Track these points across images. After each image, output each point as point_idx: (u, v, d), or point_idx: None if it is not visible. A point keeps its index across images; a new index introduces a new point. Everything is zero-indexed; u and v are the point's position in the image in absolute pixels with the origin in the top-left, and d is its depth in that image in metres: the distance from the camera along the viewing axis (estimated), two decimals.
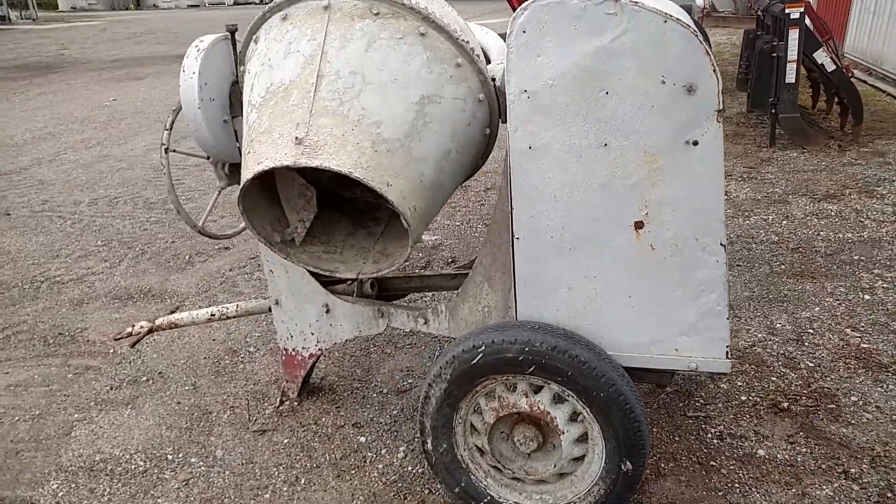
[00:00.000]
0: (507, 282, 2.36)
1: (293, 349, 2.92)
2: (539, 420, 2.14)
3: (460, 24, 2.24)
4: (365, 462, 2.67)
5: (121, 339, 3.16)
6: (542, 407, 2.10)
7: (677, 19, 1.80)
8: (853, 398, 2.85)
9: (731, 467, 2.51)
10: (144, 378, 3.36)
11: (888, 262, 4.02)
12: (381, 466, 2.64)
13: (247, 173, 2.06)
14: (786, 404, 2.82)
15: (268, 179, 2.41)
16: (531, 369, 2.04)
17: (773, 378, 3.00)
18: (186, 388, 3.25)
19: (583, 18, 1.84)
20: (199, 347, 3.61)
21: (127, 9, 42.94)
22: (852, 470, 2.47)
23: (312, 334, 2.86)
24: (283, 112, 2.04)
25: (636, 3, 1.80)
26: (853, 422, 2.71)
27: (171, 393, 3.22)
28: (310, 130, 1.99)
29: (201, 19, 29.37)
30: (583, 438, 2.13)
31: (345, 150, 1.96)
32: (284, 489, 2.55)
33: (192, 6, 43.27)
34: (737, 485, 2.43)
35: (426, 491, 2.50)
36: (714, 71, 1.81)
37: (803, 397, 2.86)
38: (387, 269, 2.23)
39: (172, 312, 3.21)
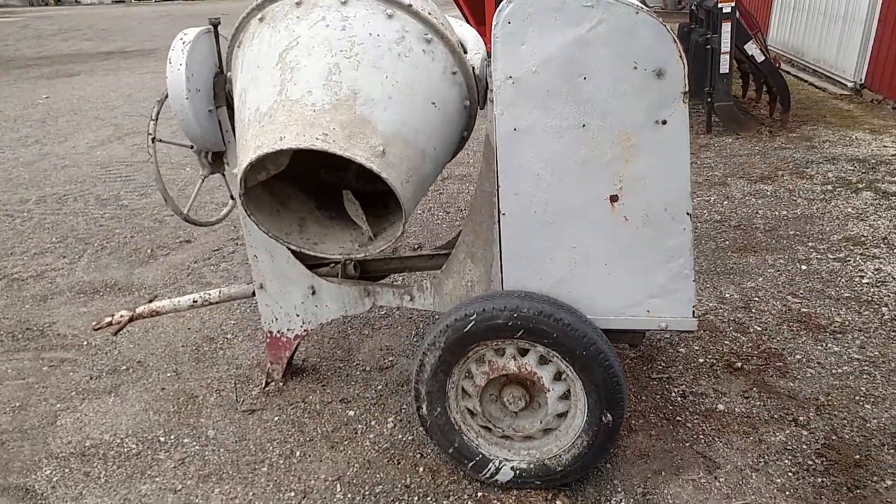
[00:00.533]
0: (489, 257, 2.54)
1: (278, 331, 3.03)
2: (526, 380, 2.32)
3: (431, 7, 2.39)
4: (356, 434, 2.80)
5: (100, 328, 3.20)
6: (529, 368, 2.28)
7: (647, 11, 2.00)
8: (797, 356, 3.14)
9: (695, 421, 2.76)
10: (124, 367, 3.39)
11: (820, 236, 4.38)
12: (372, 436, 2.78)
13: (265, 148, 2.12)
14: (739, 364, 3.09)
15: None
16: (520, 333, 2.22)
17: (726, 342, 3.28)
18: (168, 374, 3.31)
19: (563, 10, 2.02)
20: (175, 336, 3.66)
21: (46, 4, 41.08)
22: (801, 418, 2.75)
23: (298, 316, 2.97)
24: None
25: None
26: (799, 377, 3.00)
27: (153, 380, 3.27)
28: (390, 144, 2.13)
29: (128, 16, 28.46)
30: (565, 396, 2.32)
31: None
32: (281, 462, 2.67)
33: (117, 2, 41.69)
34: (701, 436, 2.68)
35: (418, 455, 2.66)
36: (680, 57, 2.02)
37: (754, 357, 3.14)
38: (384, 246, 2.35)
39: (151, 301, 3.25)
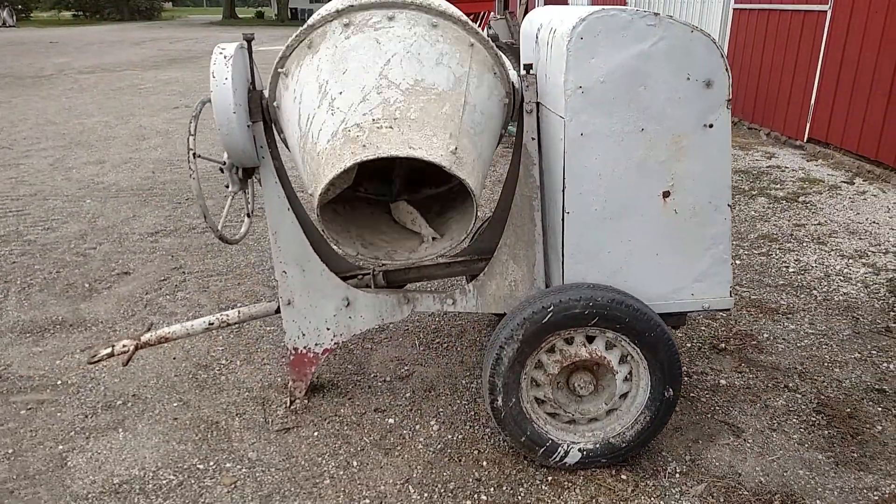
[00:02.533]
0: (531, 257, 2.74)
1: (304, 347, 3.01)
2: (594, 365, 2.52)
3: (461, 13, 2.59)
4: (405, 439, 2.85)
5: (97, 361, 3.01)
6: (599, 353, 2.48)
7: (700, 29, 2.31)
8: (765, 335, 3.59)
9: (707, 396, 3.08)
10: (119, 402, 3.19)
11: (739, 236, 4.98)
12: (422, 440, 2.84)
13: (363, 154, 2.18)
14: (722, 345, 3.49)
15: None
16: (594, 321, 2.42)
17: (703, 328, 3.67)
18: (175, 405, 3.16)
19: (629, 28, 2.28)
20: (162, 367, 3.48)
21: None
22: (790, 384, 3.16)
23: (328, 329, 2.97)
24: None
25: (670, 17, 2.29)
26: (773, 352, 3.44)
27: (160, 412, 3.10)
28: (460, 146, 2.23)
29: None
30: (628, 377, 2.55)
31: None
32: (341, 473, 2.66)
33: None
34: (717, 407, 3.00)
35: (475, 451, 2.76)
36: (726, 69, 2.35)
37: (731, 339, 3.55)
38: (456, 243, 2.45)
39: (149, 329, 3.08)
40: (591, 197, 2.46)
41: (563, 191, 2.45)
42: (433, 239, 2.58)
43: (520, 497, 2.50)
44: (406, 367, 3.39)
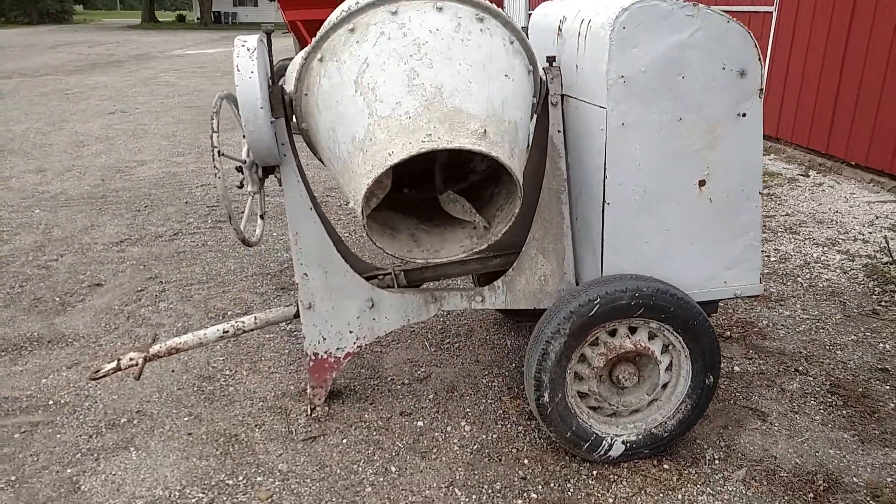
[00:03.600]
0: (560, 250, 2.73)
1: (325, 352, 2.91)
2: (637, 357, 2.52)
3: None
4: (438, 441, 2.79)
5: (101, 377, 2.83)
6: (643, 344, 2.49)
7: (735, 20, 2.35)
8: (764, 322, 3.70)
9: (726, 383, 3.14)
10: (124, 420, 3.00)
11: None
12: (456, 441, 2.78)
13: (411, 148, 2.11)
14: (727, 333, 3.56)
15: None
16: (640, 311, 2.42)
17: None
18: (185, 419, 2.99)
19: (669, 18, 2.30)
20: (162, 381, 3.30)
21: None
22: (800, 368, 3.26)
23: (351, 332, 2.88)
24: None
25: (708, 7, 2.32)
26: (776, 338, 3.54)
27: (170, 427, 2.94)
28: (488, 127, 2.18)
29: None
30: (670, 366, 2.56)
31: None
32: (381, 479, 2.57)
33: None
34: (737, 394, 3.06)
35: (513, 450, 2.72)
36: (759, 59, 2.40)
37: (734, 327, 3.64)
38: (505, 226, 2.38)
39: (154, 340, 2.91)
40: (631, 187, 2.46)
41: (604, 181, 2.44)
42: (484, 227, 2.52)
43: (569, 493, 2.48)
44: (422, 369, 3.32)
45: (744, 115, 2.44)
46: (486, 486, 2.53)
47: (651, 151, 2.43)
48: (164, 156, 8.20)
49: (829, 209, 5.56)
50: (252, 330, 2.95)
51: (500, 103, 2.29)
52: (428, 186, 2.96)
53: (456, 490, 2.51)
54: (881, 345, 3.46)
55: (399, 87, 2.23)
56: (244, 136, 2.73)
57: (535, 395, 2.48)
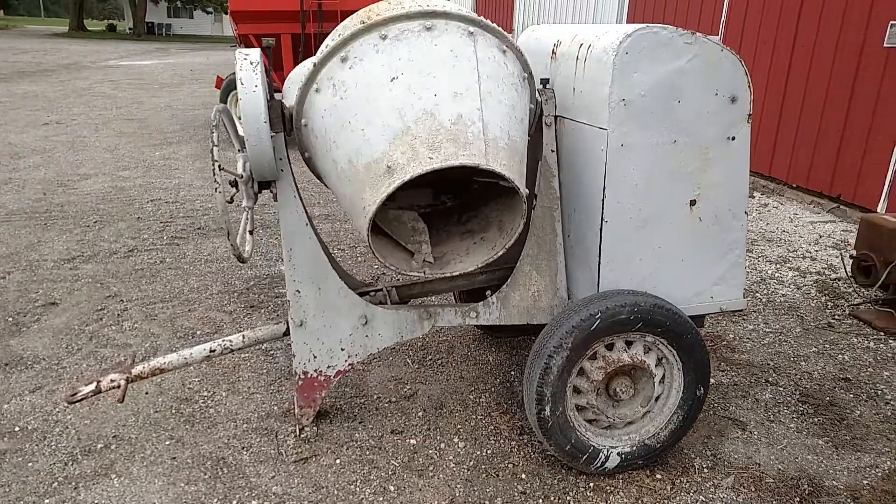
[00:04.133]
0: (553, 267, 2.79)
1: (315, 370, 2.87)
2: (632, 370, 2.59)
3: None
4: (433, 459, 2.78)
5: (78, 400, 2.71)
6: (640, 357, 2.56)
7: (728, 48, 2.47)
8: (731, 335, 3.85)
9: None
10: (99, 445, 2.87)
11: None
12: (451, 457, 2.78)
13: (423, 166, 2.13)
14: None
15: None
16: (638, 326, 2.49)
17: None
18: (167, 443, 2.89)
19: (669, 45, 2.40)
20: (138, 405, 3.17)
21: None
22: (770, 379, 3.41)
23: (342, 350, 2.85)
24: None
25: (705, 35, 2.43)
26: (744, 350, 3.69)
27: (152, 452, 2.83)
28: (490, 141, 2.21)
29: None
30: (662, 379, 2.64)
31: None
32: (380, 499, 2.55)
33: None
34: (716, 404, 3.18)
35: (510, 465, 2.74)
36: (748, 86, 2.53)
37: (704, 340, 3.77)
38: (510, 241, 2.42)
39: (133, 360, 2.79)
40: (628, 206, 2.54)
41: (603, 200, 2.51)
42: (482, 238, 2.55)
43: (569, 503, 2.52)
44: (408, 387, 3.31)
45: (733, 138, 2.56)
46: (486, 502, 2.53)
47: (647, 172, 2.52)
48: (108, 169, 7.91)
49: (777, 228, 5.84)
50: (240, 349, 2.88)
51: (507, 127, 2.34)
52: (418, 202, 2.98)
53: None
54: (840, 356, 3.65)
55: (405, 107, 2.25)
56: (239, 151, 2.69)
57: (537, 409, 2.51)
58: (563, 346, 2.46)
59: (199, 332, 3.90)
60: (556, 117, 2.75)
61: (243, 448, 2.84)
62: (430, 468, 2.72)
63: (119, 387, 2.73)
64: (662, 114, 2.47)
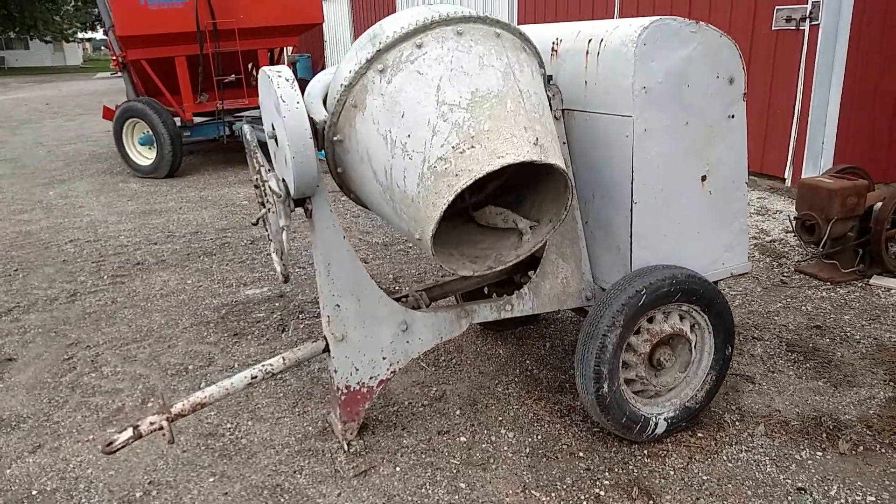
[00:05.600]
0: (577, 253, 2.95)
1: (357, 383, 2.86)
2: (671, 339, 2.77)
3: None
4: (490, 452, 2.84)
5: (115, 449, 2.56)
6: (678, 326, 2.75)
7: (726, 35, 2.71)
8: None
9: None
10: (138, 494, 2.71)
11: None
12: (506, 448, 2.86)
13: (483, 166, 2.20)
14: None
15: None
16: (678, 296, 2.68)
17: None
18: (211, 480, 2.77)
19: (679, 34, 2.61)
20: (160, 447, 3.00)
21: None
22: (755, 335, 3.71)
23: (384, 358, 2.86)
24: (505, 116, 2.27)
25: (706, 24, 2.66)
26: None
27: (200, 491, 2.71)
28: (538, 134, 2.30)
29: None
30: (697, 344, 2.85)
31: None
32: (456, 498, 2.58)
33: None
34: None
35: (564, 446, 2.85)
36: (743, 68, 2.78)
37: None
38: (558, 223, 2.53)
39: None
40: (652, 186, 2.72)
41: (632, 183, 2.68)
42: (531, 228, 2.63)
43: (635, 473, 2.66)
44: (434, 389, 3.34)
45: (733, 116, 2.81)
46: (558, 484, 2.63)
47: (666, 153, 2.71)
48: (2, 214, 7.29)
49: None
50: (282, 371, 2.81)
51: (535, 111, 2.44)
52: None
53: (533, 492, 2.59)
54: (803, 307, 4.05)
55: (456, 111, 2.31)
56: (270, 170, 2.64)
57: (595, 388, 2.64)
58: (616, 323, 2.60)
59: (191, 367, 3.73)
60: (563, 111, 2.89)
61: (295, 472, 2.78)
62: (491, 461, 2.78)
63: (161, 428, 2.59)
64: (676, 98, 2.67)
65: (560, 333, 3.87)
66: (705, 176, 2.82)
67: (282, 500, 2.62)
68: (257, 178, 2.75)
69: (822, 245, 4.23)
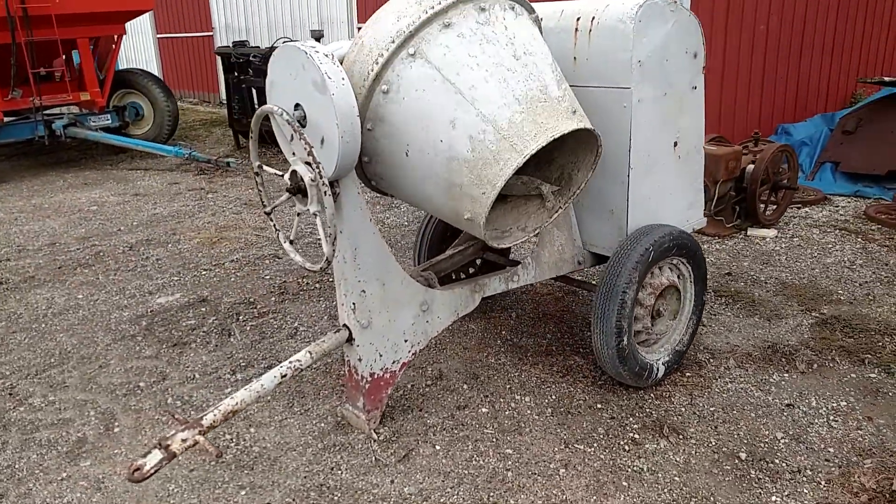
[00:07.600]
0: (569, 222, 3.16)
1: (381, 368, 2.82)
2: (665, 290, 3.06)
3: None
4: (517, 417, 2.93)
5: (146, 476, 2.31)
6: (672, 278, 3.04)
7: (692, 13, 3.03)
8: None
9: None
10: None
11: None
12: (529, 412, 2.97)
13: (542, 139, 2.29)
14: None
15: None
16: (674, 251, 2.96)
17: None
18: (244, 493, 2.58)
19: (662, 13, 2.87)
20: (166, 471, 2.70)
21: None
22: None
23: (406, 341, 2.85)
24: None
25: (679, 3, 2.95)
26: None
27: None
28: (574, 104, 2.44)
29: None
30: (683, 292, 3.16)
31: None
32: (510, 463, 2.65)
33: None
34: None
35: (580, 402, 3.02)
36: (703, 43, 3.12)
37: None
38: (577, 192, 2.68)
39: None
40: (643, 154, 2.97)
41: (630, 150, 2.91)
42: (553, 192, 2.73)
43: (654, 415, 2.91)
44: (430, 369, 3.35)
45: (695, 87, 3.14)
46: (594, 434, 2.80)
47: (652, 122, 2.97)
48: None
49: None
50: (310, 366, 2.67)
51: (558, 79, 2.57)
52: None
53: (577, 446, 2.74)
54: (709, 259, 4.60)
55: (494, 89, 2.38)
56: (293, 154, 2.50)
57: (616, 342, 2.84)
58: (632, 280, 2.82)
59: (143, 385, 3.37)
60: None
61: (332, 469, 2.67)
62: (523, 425, 2.88)
63: (195, 444, 2.36)
64: (659, 71, 2.93)
65: (520, 304, 4.04)
66: (677, 142, 3.12)
67: (334, 497, 2.52)
68: (259, 167, 2.58)
69: (712, 205, 4.82)
